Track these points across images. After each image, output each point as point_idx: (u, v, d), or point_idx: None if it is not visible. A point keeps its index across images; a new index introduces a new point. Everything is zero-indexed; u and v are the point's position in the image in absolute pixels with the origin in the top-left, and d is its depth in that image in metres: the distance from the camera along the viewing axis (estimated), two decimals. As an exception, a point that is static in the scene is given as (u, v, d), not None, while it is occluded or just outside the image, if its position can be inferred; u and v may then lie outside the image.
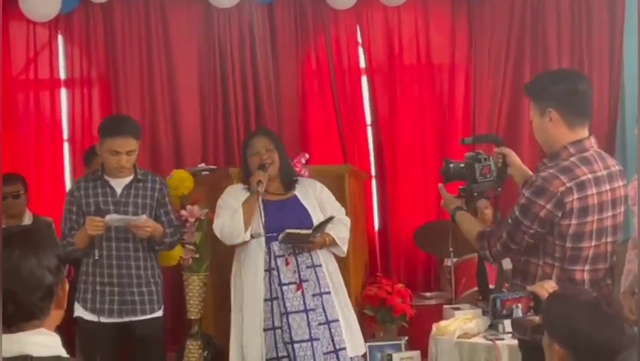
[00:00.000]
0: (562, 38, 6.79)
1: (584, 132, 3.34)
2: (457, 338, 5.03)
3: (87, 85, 6.46)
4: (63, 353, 1.89)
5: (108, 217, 4.33)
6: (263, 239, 4.66)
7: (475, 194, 3.53)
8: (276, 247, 4.65)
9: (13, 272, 1.84)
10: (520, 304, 2.76)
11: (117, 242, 4.45)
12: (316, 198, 4.81)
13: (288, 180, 4.83)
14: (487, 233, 3.42)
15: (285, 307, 4.59)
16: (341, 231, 4.78)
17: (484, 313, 5.20)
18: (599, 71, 6.77)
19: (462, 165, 3.56)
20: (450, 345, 5.04)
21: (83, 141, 6.40)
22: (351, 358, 4.71)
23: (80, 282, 4.50)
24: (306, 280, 4.64)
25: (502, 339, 4.89)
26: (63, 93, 6.49)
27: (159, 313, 4.59)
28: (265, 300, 4.60)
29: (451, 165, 3.60)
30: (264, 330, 4.58)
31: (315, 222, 4.70)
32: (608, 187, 3.29)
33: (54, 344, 1.89)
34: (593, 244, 3.28)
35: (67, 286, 1.94)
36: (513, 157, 3.57)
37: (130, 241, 4.47)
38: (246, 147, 4.86)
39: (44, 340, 1.87)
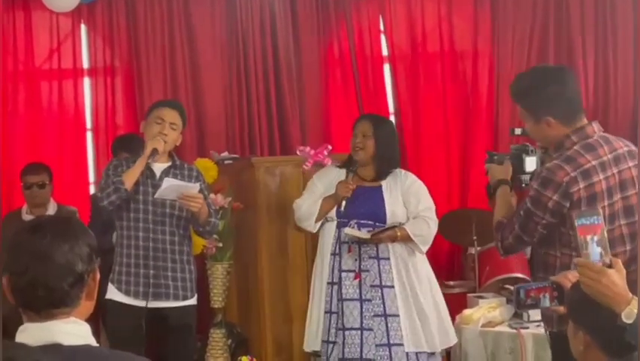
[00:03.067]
0: (585, 23, 6.72)
1: (582, 121, 3.32)
2: (481, 326, 5.03)
3: (110, 74, 6.49)
4: (93, 342, 1.89)
5: (166, 182, 4.34)
6: (335, 223, 4.68)
7: (524, 185, 3.50)
8: (343, 233, 4.65)
9: (45, 257, 1.85)
10: (546, 294, 2.74)
11: (154, 225, 4.45)
12: (402, 192, 4.72)
13: (381, 169, 4.76)
14: (503, 225, 3.40)
15: (341, 293, 4.61)
16: (420, 228, 4.66)
17: (508, 301, 5.19)
18: (623, 56, 6.70)
19: (506, 157, 3.55)
20: (474, 334, 5.03)
21: (107, 130, 6.43)
22: (420, 354, 4.64)
23: (115, 263, 4.52)
24: (367, 271, 4.62)
25: (527, 328, 4.88)
26: (86, 83, 6.51)
27: (192, 302, 4.58)
28: (328, 283, 4.66)
29: (496, 157, 3.59)
30: (325, 312, 4.64)
31: (389, 216, 4.65)
32: (615, 170, 3.26)
33: (84, 333, 1.89)
34: (607, 229, 3.24)
35: (98, 277, 1.94)
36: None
37: (166, 225, 4.47)
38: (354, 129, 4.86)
39: (74, 329, 1.87)
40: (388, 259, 4.65)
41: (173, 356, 4.54)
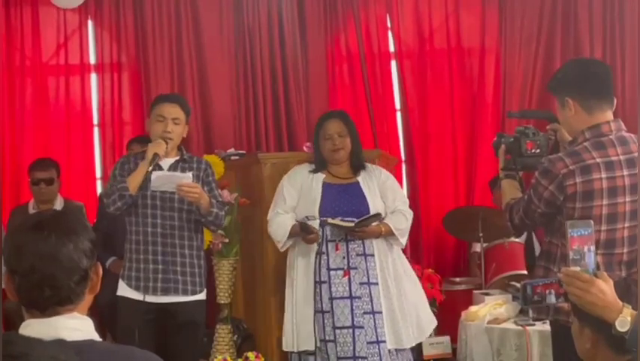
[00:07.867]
0: (594, 21, 6.71)
1: (604, 116, 3.31)
2: (487, 323, 5.03)
3: (117, 70, 6.50)
4: (96, 336, 1.89)
5: (155, 174, 4.33)
6: (317, 222, 4.66)
7: (518, 167, 3.52)
8: (328, 231, 4.64)
9: (50, 256, 1.84)
10: (553, 290, 2.73)
11: (162, 220, 4.44)
12: (379, 186, 4.77)
13: (357, 165, 4.80)
14: (511, 205, 3.46)
15: (331, 292, 4.60)
16: (400, 222, 4.72)
17: (514, 298, 5.19)
18: (631, 54, 6.69)
19: (511, 139, 3.56)
20: (480, 330, 5.03)
21: (113, 126, 6.45)
22: (397, 350, 4.66)
23: (125, 260, 4.52)
24: (355, 268, 4.62)
25: (533, 325, 4.87)
26: (93, 78, 6.53)
27: (201, 296, 4.56)
28: (315, 282, 4.63)
29: (502, 139, 3.61)
30: (315, 312, 4.62)
31: (372, 209, 4.67)
32: (625, 172, 3.25)
33: (87, 328, 1.89)
34: (604, 228, 3.24)
35: (100, 270, 1.94)
36: (564, 134, 3.55)
37: (175, 220, 4.46)
38: (318, 129, 4.84)
39: (77, 324, 1.87)
40: (373, 255, 4.67)
41: (181, 351, 4.53)
